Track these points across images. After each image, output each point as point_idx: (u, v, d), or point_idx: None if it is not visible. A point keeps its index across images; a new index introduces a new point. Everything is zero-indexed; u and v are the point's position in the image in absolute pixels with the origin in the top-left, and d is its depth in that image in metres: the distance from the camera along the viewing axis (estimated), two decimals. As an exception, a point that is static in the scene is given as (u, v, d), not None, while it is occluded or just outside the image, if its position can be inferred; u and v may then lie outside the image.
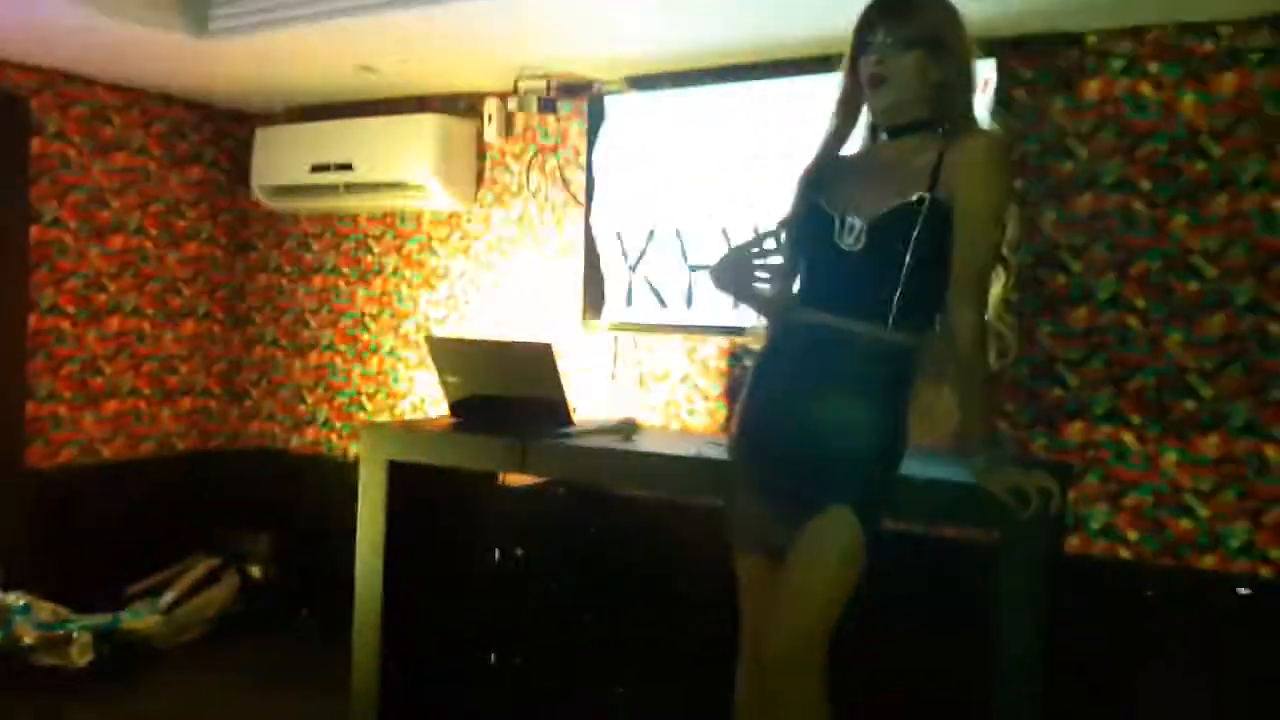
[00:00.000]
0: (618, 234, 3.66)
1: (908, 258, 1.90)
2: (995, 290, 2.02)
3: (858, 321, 1.95)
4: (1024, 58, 3.07)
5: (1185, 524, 2.87)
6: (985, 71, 3.02)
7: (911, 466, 2.24)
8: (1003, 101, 3.03)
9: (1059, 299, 3.03)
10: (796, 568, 1.90)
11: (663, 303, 3.56)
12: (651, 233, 3.58)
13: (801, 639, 1.89)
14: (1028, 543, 2.13)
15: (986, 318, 1.98)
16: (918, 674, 2.91)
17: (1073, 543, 2.96)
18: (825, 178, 2.05)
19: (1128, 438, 2.95)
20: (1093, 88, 2.99)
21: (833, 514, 1.88)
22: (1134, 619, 2.89)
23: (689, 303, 3.49)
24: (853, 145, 2.11)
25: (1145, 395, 2.92)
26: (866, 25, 1.96)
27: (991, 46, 3.05)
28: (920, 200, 1.89)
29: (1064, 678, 2.29)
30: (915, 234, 1.89)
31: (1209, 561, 2.83)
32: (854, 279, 1.96)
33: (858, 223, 1.93)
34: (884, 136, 2.01)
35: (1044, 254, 3.05)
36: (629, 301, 3.64)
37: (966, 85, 1.97)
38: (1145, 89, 2.93)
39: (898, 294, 1.92)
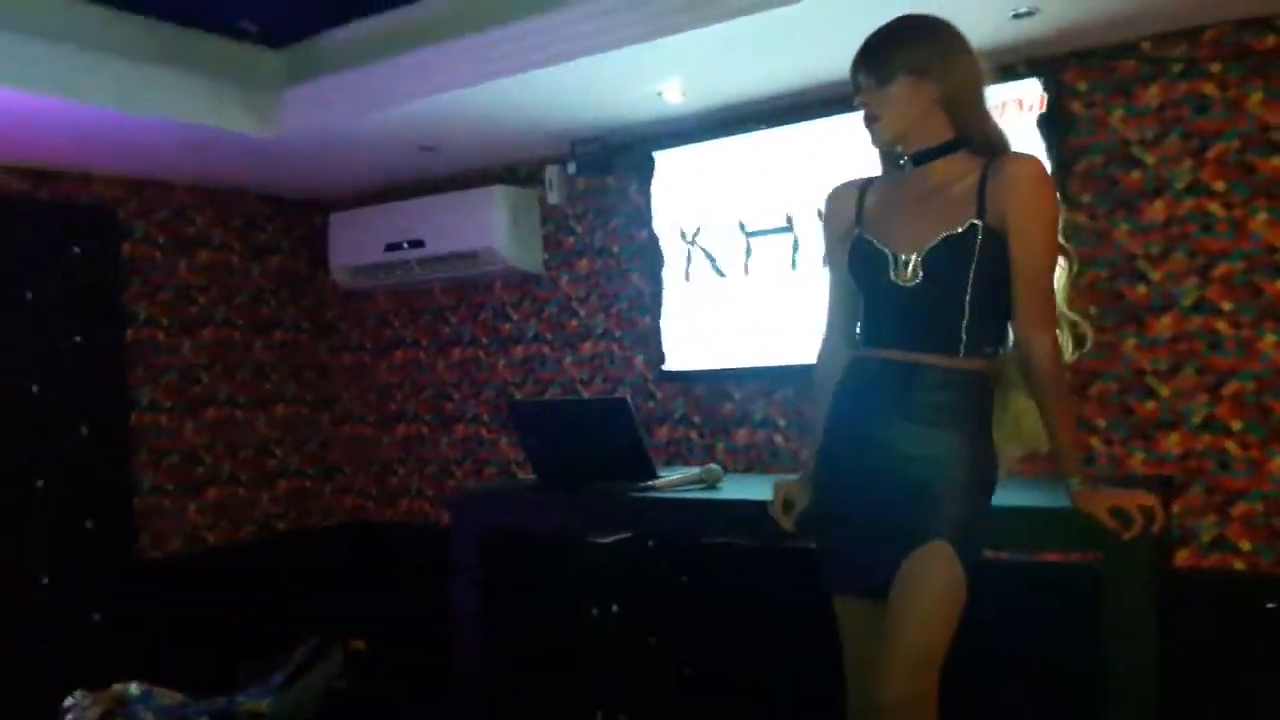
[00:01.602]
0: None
1: (969, 285, 1.90)
2: (1061, 280, 2.00)
3: (928, 353, 1.94)
4: (1078, 71, 3.05)
5: (1301, 530, 2.76)
6: (1020, 89, 3.02)
7: (1009, 495, 2.21)
8: (1059, 116, 3.01)
9: (1141, 309, 2.97)
10: (899, 608, 1.88)
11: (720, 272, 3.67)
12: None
13: (913, 680, 1.86)
14: (1133, 562, 2.07)
15: (1057, 331, 1.97)
16: (1029, 702, 2.83)
17: (1182, 557, 2.86)
18: (865, 211, 2.06)
19: (1230, 445, 2.85)
20: (1152, 93, 2.95)
21: (930, 549, 1.86)
22: (1253, 632, 2.77)
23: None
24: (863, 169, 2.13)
25: (1244, 399, 2.83)
26: (852, 70, 1.99)
27: (1041, 64, 3.05)
28: (973, 228, 1.89)
29: (1181, 698, 2.21)
30: (974, 262, 1.89)
31: (1331, 567, 2.72)
32: (917, 312, 1.96)
33: (911, 257, 1.93)
34: (909, 165, 2.01)
35: (1120, 265, 3.00)
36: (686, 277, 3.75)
37: (974, 99, 1.96)
38: (1208, 89, 2.87)
39: (964, 322, 1.92)
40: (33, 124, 3.40)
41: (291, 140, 3.75)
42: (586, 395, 4.05)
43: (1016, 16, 2.76)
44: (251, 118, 3.63)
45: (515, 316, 4.29)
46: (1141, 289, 2.97)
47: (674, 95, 3.38)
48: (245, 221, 4.64)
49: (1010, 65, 3.10)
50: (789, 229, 3.51)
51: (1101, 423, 3.02)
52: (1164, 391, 2.94)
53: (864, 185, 2.09)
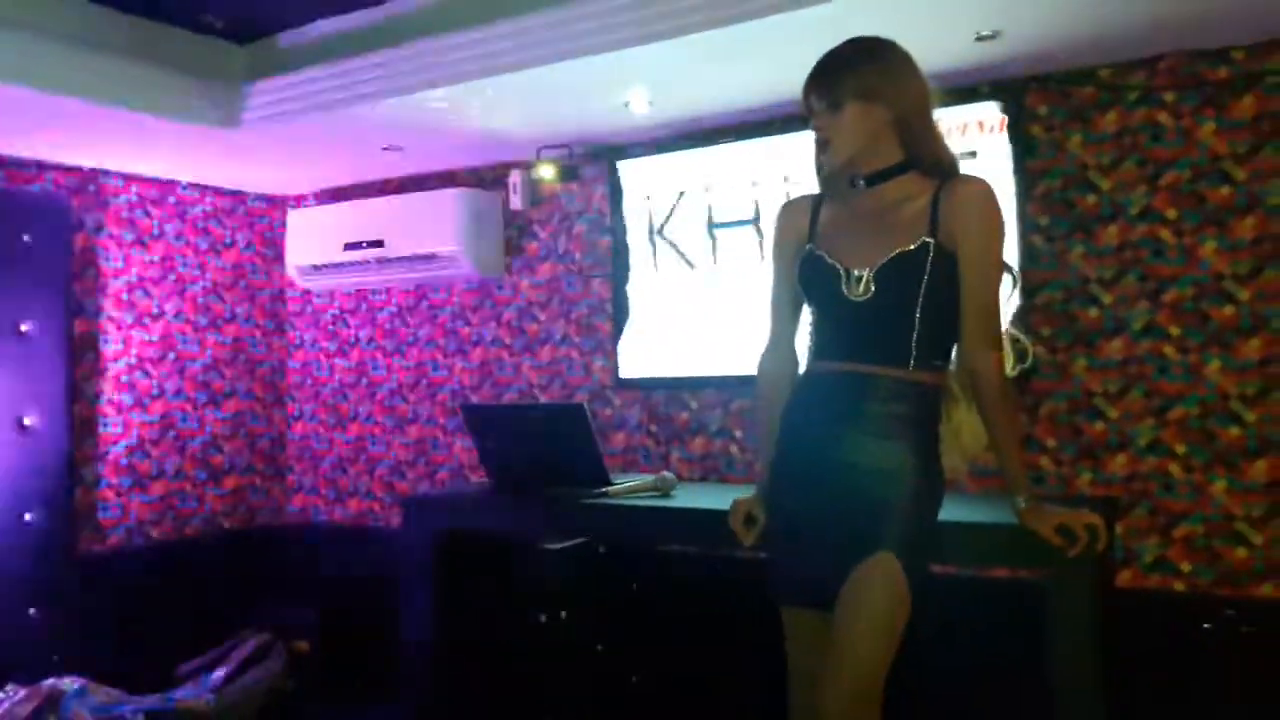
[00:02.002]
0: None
1: (920, 300, 1.94)
2: (1003, 296, 2.03)
3: (880, 365, 1.97)
4: (1038, 95, 3.10)
5: (1240, 552, 2.81)
6: (982, 111, 3.07)
7: (956, 510, 2.23)
8: (1020, 139, 3.06)
9: (1092, 332, 3.02)
10: (845, 620, 1.89)
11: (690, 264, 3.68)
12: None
13: (857, 692, 1.87)
14: (1077, 580, 2.10)
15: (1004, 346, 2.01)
16: (976, 717, 2.86)
17: (1125, 577, 2.91)
18: (818, 228, 2.09)
19: (1174, 468, 2.91)
20: (1110, 120, 3.01)
21: (876, 561, 1.88)
22: (1192, 652, 2.82)
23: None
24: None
25: (1188, 424, 2.89)
26: (804, 93, 2.03)
27: (1003, 87, 3.10)
28: (925, 245, 1.94)
29: (1123, 714, 2.24)
30: (925, 278, 1.94)
31: (1267, 590, 2.77)
32: (868, 326, 1.99)
33: (864, 272, 1.97)
34: (862, 184, 2.04)
35: (1074, 288, 3.05)
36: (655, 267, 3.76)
37: (924, 122, 2.00)
38: (1163, 118, 2.94)
39: (914, 336, 1.96)
40: (-15, 109, 3.33)
41: (251, 135, 3.70)
42: (544, 400, 4.04)
43: (979, 39, 2.81)
44: (212, 112, 3.58)
45: (474, 319, 4.27)
46: (1094, 312, 3.03)
47: (640, 105, 3.39)
48: (201, 215, 4.57)
49: (972, 87, 3.15)
50: (755, 220, 3.53)
51: (1051, 442, 3.07)
52: (1113, 413, 2.99)
53: (816, 201, 2.12)
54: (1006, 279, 2.02)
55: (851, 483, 1.95)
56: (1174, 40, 2.85)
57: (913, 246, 1.95)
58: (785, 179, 3.41)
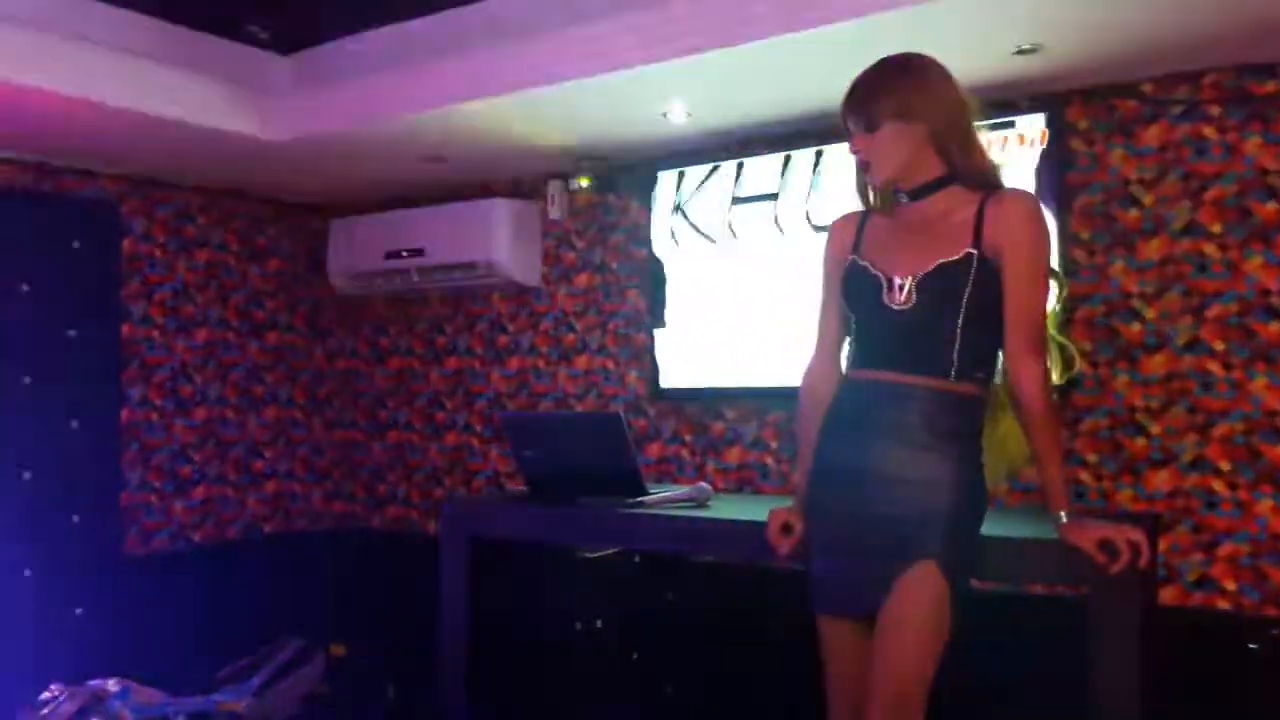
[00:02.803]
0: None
1: (962, 311, 1.94)
2: (1051, 304, 2.03)
3: (920, 376, 1.97)
4: (1079, 109, 3.08)
5: (1285, 572, 2.77)
6: (1022, 125, 3.06)
7: (995, 525, 2.21)
8: (1059, 153, 3.04)
9: (1134, 346, 2.99)
10: (887, 631, 1.89)
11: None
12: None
13: (900, 705, 1.87)
14: (1119, 597, 2.08)
15: (1047, 358, 1.99)
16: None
17: (1167, 595, 2.87)
18: (863, 240, 2.09)
19: (1217, 485, 2.87)
20: (1153, 134, 2.99)
21: (918, 572, 1.88)
22: (1237, 672, 2.78)
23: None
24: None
25: (1233, 440, 2.85)
26: (841, 116, 2.04)
27: (1043, 101, 3.08)
28: (968, 256, 1.93)
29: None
30: (968, 289, 1.93)
31: (1314, 611, 2.73)
32: (909, 336, 1.99)
33: (906, 281, 1.97)
34: (904, 199, 2.04)
35: (1116, 302, 3.03)
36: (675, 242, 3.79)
37: (963, 135, 1.99)
38: (1208, 132, 2.91)
39: (956, 347, 1.95)
40: (40, 118, 3.41)
41: (295, 145, 3.76)
42: (579, 410, 4.06)
43: (1019, 53, 2.80)
44: (257, 121, 3.64)
45: (511, 328, 4.31)
46: (1135, 326, 3.00)
47: (679, 116, 3.40)
48: (245, 223, 4.65)
49: (1012, 101, 3.13)
50: (775, 196, 3.54)
51: (1091, 458, 3.04)
52: (1154, 429, 2.96)
53: (864, 217, 2.13)
54: (1053, 288, 2.02)
55: (891, 494, 1.94)
56: (1219, 54, 2.82)
57: (956, 257, 1.94)
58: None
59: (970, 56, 2.84)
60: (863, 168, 2.04)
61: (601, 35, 2.97)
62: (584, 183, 3.82)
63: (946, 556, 1.89)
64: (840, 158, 3.33)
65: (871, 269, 2.02)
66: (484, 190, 4.30)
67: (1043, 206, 2.02)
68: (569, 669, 3.26)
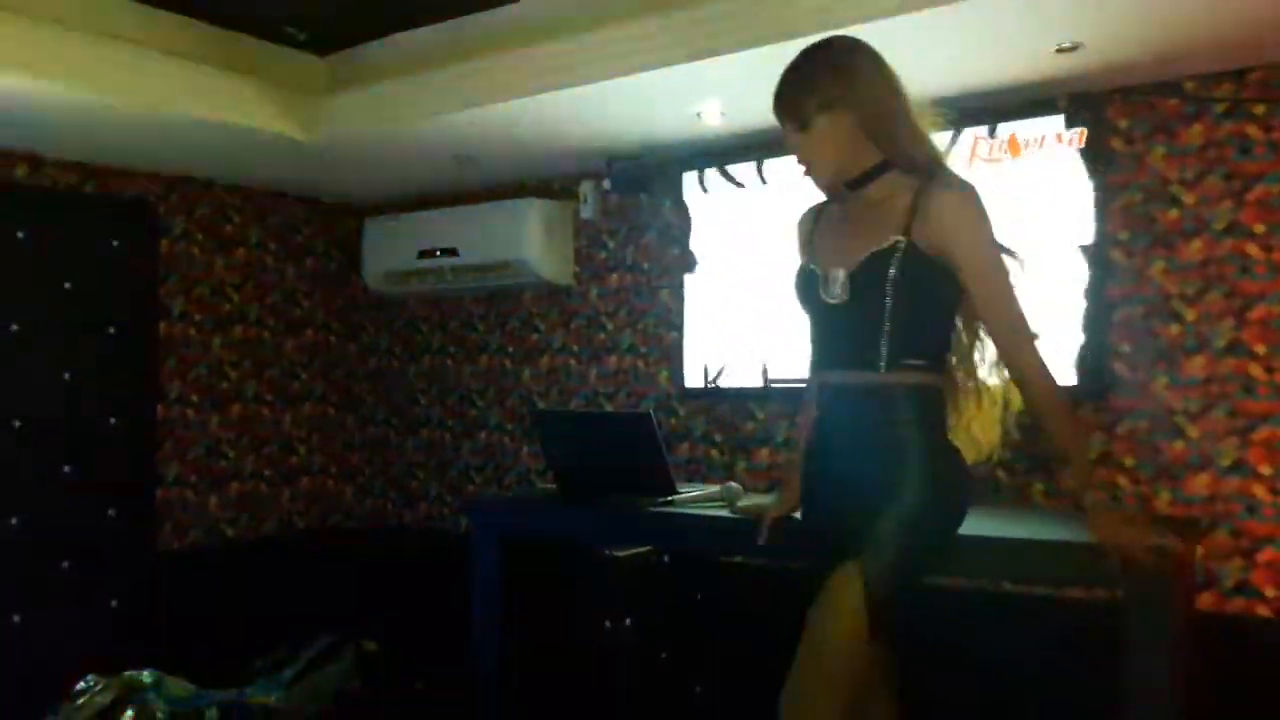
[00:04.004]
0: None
1: (889, 299, 1.89)
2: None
3: (853, 371, 1.96)
4: (1119, 108, 3.04)
5: (1328, 580, 2.72)
6: (1060, 124, 3.00)
7: (1027, 527, 2.19)
8: (1098, 152, 3.00)
9: (1174, 348, 2.95)
10: (806, 626, 1.92)
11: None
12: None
13: (808, 696, 1.90)
14: (1156, 602, 2.05)
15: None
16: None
17: (1205, 600, 2.82)
18: (814, 236, 2.10)
19: (1258, 489, 2.82)
20: (1195, 133, 2.94)
21: (843, 571, 1.88)
22: (1275, 679, 2.72)
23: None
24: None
25: (1274, 444, 2.80)
26: (778, 120, 2.03)
27: (1083, 99, 3.05)
28: (896, 244, 1.90)
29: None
30: (897, 276, 1.88)
31: (1358, 619, 2.67)
32: (843, 330, 1.98)
33: (839, 274, 1.94)
34: (846, 190, 2.02)
35: (1154, 304, 2.98)
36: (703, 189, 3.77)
37: (891, 120, 1.95)
38: (1252, 131, 2.86)
39: (884, 338, 1.91)
40: (81, 120, 3.46)
41: (331, 146, 3.79)
42: (610, 408, 4.06)
43: (1059, 51, 2.76)
44: (294, 123, 3.68)
45: (543, 327, 4.32)
46: (1175, 328, 2.95)
47: (712, 117, 3.40)
48: (282, 223, 4.69)
49: (1051, 99, 3.09)
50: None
51: (1129, 461, 2.99)
52: (1193, 432, 2.91)
53: (818, 210, 2.14)
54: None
55: (835, 491, 1.98)
56: (1264, 51, 2.77)
57: (884, 245, 1.91)
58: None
59: (1011, 54, 2.82)
60: (804, 170, 2.03)
61: (635, 35, 2.96)
62: (616, 180, 3.82)
63: (870, 557, 1.87)
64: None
65: (811, 265, 2.04)
66: (517, 190, 4.32)
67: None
68: (597, 667, 3.25)
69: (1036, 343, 1.93)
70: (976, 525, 2.24)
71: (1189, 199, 2.94)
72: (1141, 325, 2.99)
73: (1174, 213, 2.96)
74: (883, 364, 1.92)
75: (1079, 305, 3.02)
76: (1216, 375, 2.88)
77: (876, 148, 1.96)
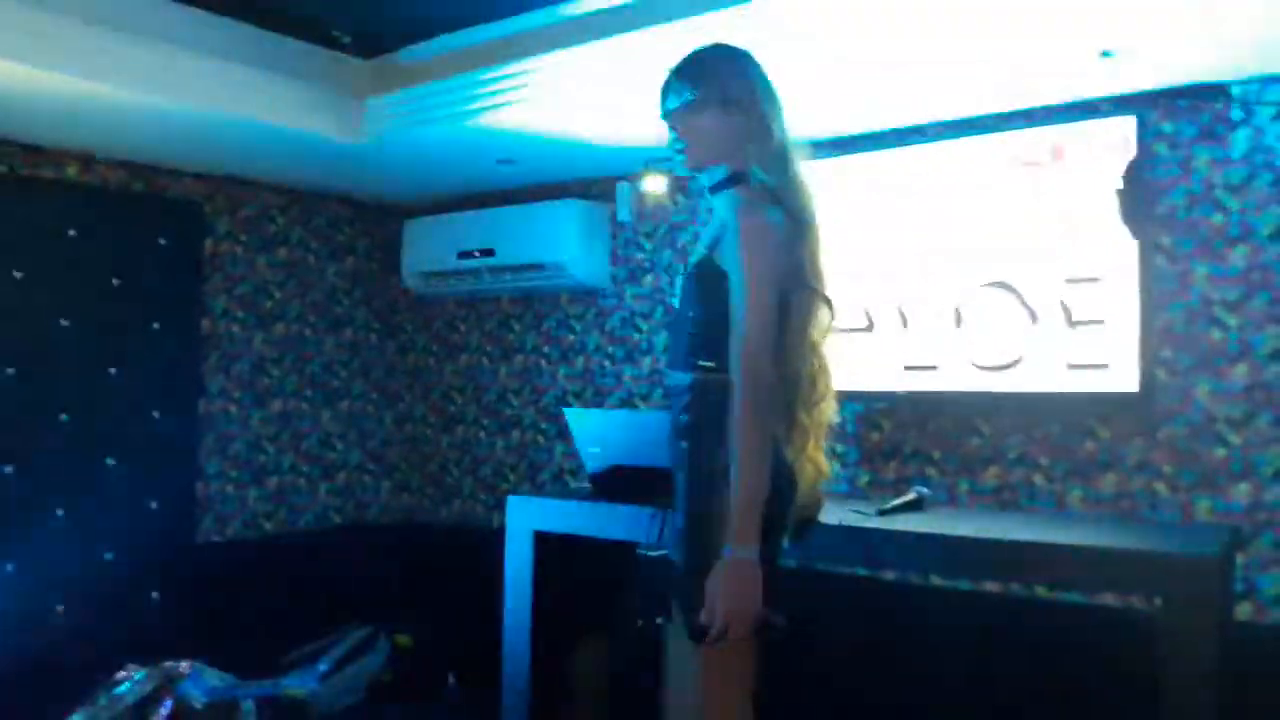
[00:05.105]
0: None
1: (693, 307, 2.02)
2: (824, 323, 2.04)
3: (674, 369, 2.07)
4: (1163, 112, 3.01)
5: (1374, 592, 2.66)
6: (1105, 128, 2.97)
7: (1058, 531, 2.16)
8: (1142, 157, 2.96)
9: (1216, 354, 2.90)
10: None
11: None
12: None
13: None
14: (1192, 612, 2.03)
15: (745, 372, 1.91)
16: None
17: (1244, 610, 2.77)
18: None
19: (1302, 499, 2.77)
20: (1241, 137, 2.90)
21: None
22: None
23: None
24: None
25: (1319, 454, 2.75)
26: (663, 95, 2.12)
27: (1127, 103, 3.01)
28: (707, 257, 2.01)
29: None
30: (700, 286, 2.01)
31: (1404, 633, 2.61)
32: (672, 331, 2.15)
33: (679, 280, 2.11)
34: (707, 192, 2.14)
35: (1197, 310, 2.94)
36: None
37: (719, 129, 2.03)
38: (1298, 135, 2.82)
39: (689, 340, 2.03)
40: (130, 120, 3.53)
41: (373, 148, 3.84)
42: (643, 409, 4.07)
43: (1105, 55, 2.74)
44: (337, 124, 3.72)
45: (579, 328, 4.34)
46: (1218, 334, 2.91)
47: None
48: (324, 223, 4.76)
49: (1095, 104, 3.07)
50: None
51: (1168, 468, 2.95)
52: (1235, 440, 2.86)
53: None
54: (824, 310, 2.02)
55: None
56: (1312, 54, 2.73)
57: (702, 255, 2.03)
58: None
59: (1055, 58, 2.80)
60: (678, 150, 2.08)
61: (674, 34, 2.97)
62: (652, 182, 3.82)
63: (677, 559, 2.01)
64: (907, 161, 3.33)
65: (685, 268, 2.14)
66: (554, 191, 4.35)
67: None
68: (630, 665, 3.26)
69: (747, 374, 1.90)
70: (1011, 530, 2.22)
71: (1234, 204, 2.90)
72: (1184, 331, 2.96)
73: (1218, 218, 2.93)
74: (683, 364, 2.04)
75: (1121, 310, 2.98)
76: (1260, 382, 2.84)
77: (741, 158, 2.04)
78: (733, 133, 2.02)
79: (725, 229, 1.97)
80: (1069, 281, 3.00)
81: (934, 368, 3.22)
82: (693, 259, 2.07)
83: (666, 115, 2.10)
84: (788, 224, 1.97)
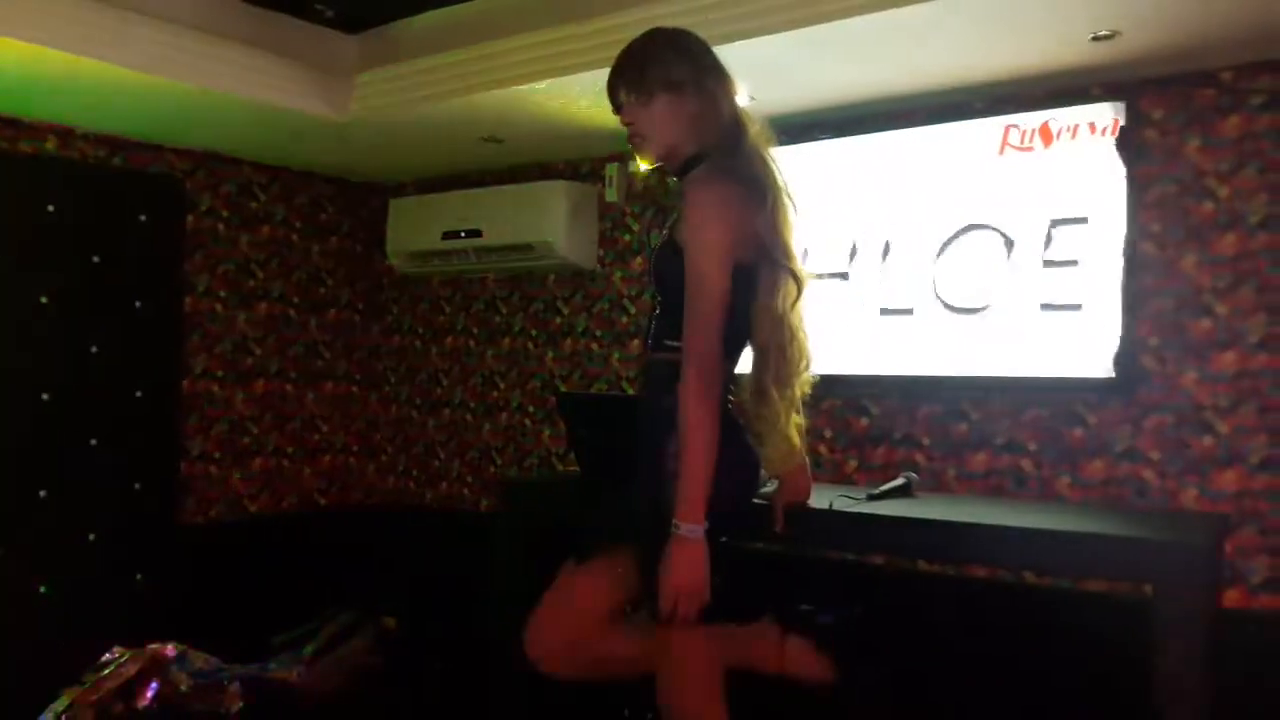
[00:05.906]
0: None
1: (658, 286, 2.08)
2: (792, 298, 2.01)
3: (645, 347, 2.14)
4: (1153, 98, 3.00)
5: (1356, 579, 2.69)
6: (1094, 113, 2.97)
7: (1051, 519, 2.17)
8: (1132, 143, 2.96)
9: (1204, 343, 2.92)
10: None
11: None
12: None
13: None
14: (1181, 598, 2.04)
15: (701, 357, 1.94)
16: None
17: (1231, 597, 2.80)
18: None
19: (1287, 487, 2.79)
20: (1231, 125, 2.90)
21: None
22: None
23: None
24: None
25: (1304, 442, 2.77)
26: (611, 88, 2.14)
27: (1117, 89, 3.01)
28: (670, 237, 2.05)
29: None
30: (664, 265, 2.04)
31: (1385, 619, 2.65)
32: (648, 313, 2.18)
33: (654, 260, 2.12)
34: (671, 179, 2.19)
35: (1186, 297, 2.95)
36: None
37: (718, 113, 2.05)
38: (1290, 123, 2.82)
39: (655, 320, 2.08)
40: (111, 94, 3.48)
41: (358, 124, 3.79)
42: (632, 392, 4.06)
43: (1095, 39, 2.73)
44: (322, 100, 3.68)
45: (566, 310, 4.32)
46: (1206, 322, 2.92)
47: (741, 98, 3.36)
48: (307, 201, 4.71)
49: (1085, 88, 3.06)
50: None
51: (1155, 455, 2.97)
52: (1223, 428, 2.88)
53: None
54: (788, 282, 2.01)
55: None
56: (1305, 42, 2.73)
57: (665, 237, 2.07)
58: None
59: (1047, 41, 2.78)
60: (633, 141, 2.10)
61: (663, 16, 2.94)
62: (641, 164, 3.80)
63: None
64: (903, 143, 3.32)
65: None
66: (542, 172, 4.31)
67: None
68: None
69: (694, 349, 1.92)
70: (998, 515, 2.23)
71: (1223, 192, 2.91)
72: (1172, 318, 2.97)
73: (1208, 205, 2.93)
74: (650, 343, 2.11)
75: (1109, 297, 2.98)
76: (1248, 370, 2.85)
77: (699, 141, 2.06)
78: (685, 116, 2.03)
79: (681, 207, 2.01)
80: (1047, 265, 3.04)
81: (909, 310, 3.28)
82: (657, 241, 2.10)
83: (618, 111, 2.10)
84: (743, 194, 1.97)
